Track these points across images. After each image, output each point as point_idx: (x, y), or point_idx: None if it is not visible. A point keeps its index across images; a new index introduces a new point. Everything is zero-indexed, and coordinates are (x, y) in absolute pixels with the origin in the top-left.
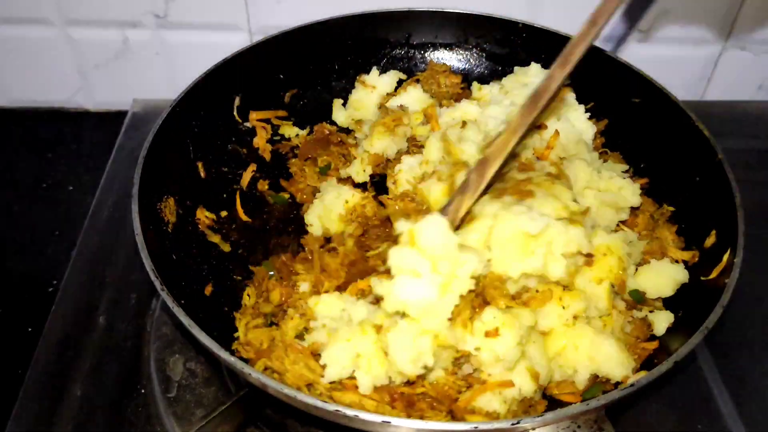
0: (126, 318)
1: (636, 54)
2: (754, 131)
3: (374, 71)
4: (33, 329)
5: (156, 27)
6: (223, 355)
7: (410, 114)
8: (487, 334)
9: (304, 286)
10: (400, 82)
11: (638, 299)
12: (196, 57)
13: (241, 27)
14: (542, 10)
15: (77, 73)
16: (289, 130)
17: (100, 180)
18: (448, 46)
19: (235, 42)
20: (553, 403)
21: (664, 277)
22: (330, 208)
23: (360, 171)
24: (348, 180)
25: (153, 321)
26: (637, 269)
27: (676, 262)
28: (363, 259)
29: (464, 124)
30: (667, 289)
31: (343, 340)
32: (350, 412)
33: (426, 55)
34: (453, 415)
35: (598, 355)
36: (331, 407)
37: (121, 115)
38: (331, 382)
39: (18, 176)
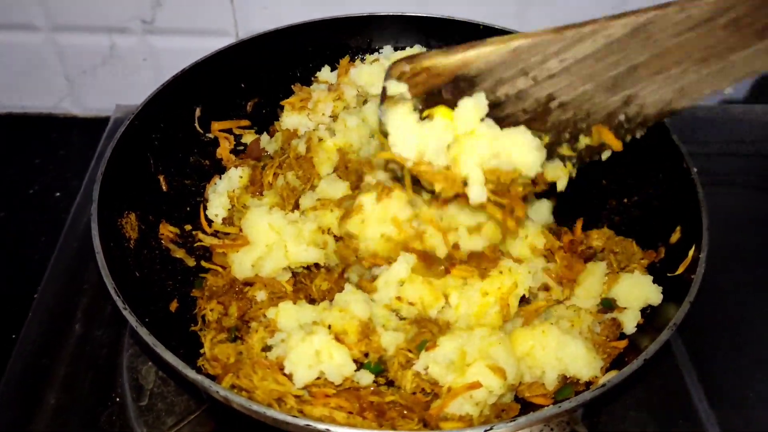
0: (102, 326)
1: None
2: (740, 135)
3: (326, 68)
4: (16, 336)
5: (143, 33)
6: (189, 373)
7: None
8: (427, 349)
9: (261, 295)
10: None
11: (608, 305)
12: (184, 63)
13: (228, 32)
14: (529, 19)
15: (65, 78)
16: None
17: None
18: None
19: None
20: (526, 406)
21: (637, 292)
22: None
23: (276, 146)
24: None
25: (128, 329)
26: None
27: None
28: None
29: None
30: (637, 305)
31: (299, 344)
32: (321, 426)
33: None
34: (425, 424)
35: (565, 355)
36: (302, 422)
37: (108, 121)
38: (303, 388)
39: (5, 182)
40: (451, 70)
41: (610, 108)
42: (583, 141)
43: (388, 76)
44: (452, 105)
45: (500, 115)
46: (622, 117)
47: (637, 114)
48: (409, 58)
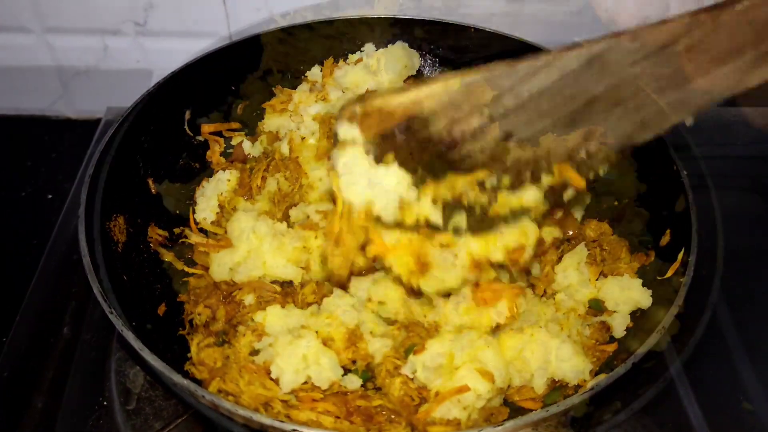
0: (90, 329)
1: None
2: (731, 138)
3: (315, 68)
4: (5, 338)
5: (136, 35)
6: (175, 378)
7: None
8: (415, 352)
9: (249, 299)
10: None
11: (597, 308)
12: (177, 65)
13: (221, 34)
14: (521, 20)
15: (58, 80)
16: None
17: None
18: None
19: None
20: (514, 410)
21: (626, 296)
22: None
23: (259, 149)
24: None
25: (116, 333)
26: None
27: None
28: None
29: None
30: (626, 308)
31: (286, 348)
32: (308, 431)
33: None
34: (413, 428)
35: (554, 358)
36: (289, 426)
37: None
38: (290, 392)
39: None
40: (404, 110)
41: (570, 144)
42: (546, 180)
43: (339, 118)
44: (406, 149)
45: (457, 156)
46: (583, 153)
47: (599, 149)
48: (361, 99)
